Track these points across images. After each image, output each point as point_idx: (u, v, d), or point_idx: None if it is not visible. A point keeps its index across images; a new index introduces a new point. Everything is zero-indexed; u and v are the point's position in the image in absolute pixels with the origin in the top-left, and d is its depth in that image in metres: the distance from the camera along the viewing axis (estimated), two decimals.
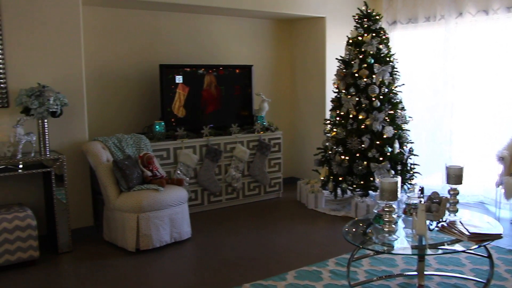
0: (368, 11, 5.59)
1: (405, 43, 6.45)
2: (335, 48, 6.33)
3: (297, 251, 4.38)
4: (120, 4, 5.28)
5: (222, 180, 5.68)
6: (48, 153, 4.34)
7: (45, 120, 4.32)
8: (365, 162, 5.33)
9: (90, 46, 5.19)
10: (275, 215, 5.49)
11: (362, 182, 5.40)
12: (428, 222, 3.35)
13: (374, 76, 5.38)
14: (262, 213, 5.60)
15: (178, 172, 5.29)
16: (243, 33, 6.41)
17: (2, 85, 4.34)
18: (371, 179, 5.35)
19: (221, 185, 5.68)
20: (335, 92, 5.74)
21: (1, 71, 4.32)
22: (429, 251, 3.24)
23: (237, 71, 5.96)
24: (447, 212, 3.60)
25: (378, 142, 5.33)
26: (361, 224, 3.73)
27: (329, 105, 6.06)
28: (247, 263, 4.11)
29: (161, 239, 4.42)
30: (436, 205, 3.50)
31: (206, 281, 3.79)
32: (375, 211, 3.56)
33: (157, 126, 5.27)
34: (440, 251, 3.35)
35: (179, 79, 5.51)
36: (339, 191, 5.61)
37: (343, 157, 5.43)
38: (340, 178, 5.49)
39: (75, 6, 4.65)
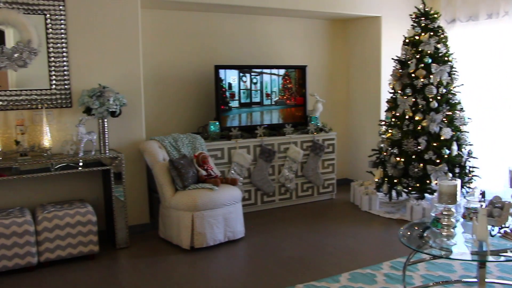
0: (426, 9, 5.45)
1: (465, 41, 6.23)
2: (391, 48, 6.23)
3: (350, 253, 4.33)
4: (176, 7, 5.39)
5: (275, 181, 5.70)
6: (107, 151, 4.49)
7: (105, 120, 4.46)
8: (421, 164, 5.21)
9: (148, 47, 5.33)
10: (328, 216, 5.46)
11: (417, 185, 5.28)
12: (489, 227, 3.24)
13: (431, 76, 5.25)
14: (315, 214, 5.58)
15: (232, 171, 5.34)
16: (297, 33, 6.40)
17: (66, 86, 4.53)
18: (428, 181, 5.22)
19: (275, 185, 5.69)
20: (390, 93, 5.64)
21: (65, 72, 4.51)
22: (490, 258, 3.12)
23: (292, 71, 5.96)
24: (510, 218, 3.46)
25: (435, 144, 5.19)
26: (416, 228, 3.64)
27: (384, 106, 5.97)
28: (300, 264, 4.11)
29: (215, 238, 4.48)
30: (499, 210, 3.37)
31: (260, 280, 3.80)
32: (433, 215, 3.47)
33: (212, 126, 5.35)
34: (502, 258, 3.23)
35: (234, 79, 5.58)
36: (394, 193, 5.50)
37: (398, 159, 5.33)
38: (395, 180, 5.39)
39: (135, 9, 4.78)
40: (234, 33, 5.93)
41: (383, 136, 5.65)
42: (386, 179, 5.52)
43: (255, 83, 5.74)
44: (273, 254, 4.36)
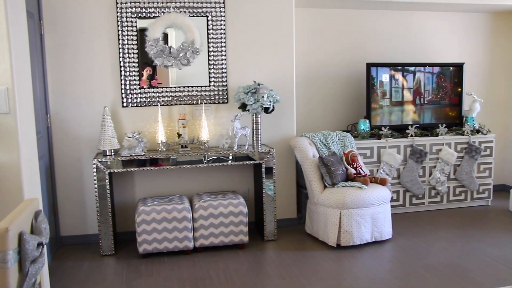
0: None
1: None
2: None
3: (510, 266, 4.00)
4: (329, 4, 5.42)
5: (425, 183, 5.47)
6: (260, 146, 4.67)
7: (259, 116, 4.64)
8: None
9: (300, 45, 5.44)
10: (484, 224, 5.09)
11: None
12: None
13: None
14: (468, 220, 5.24)
15: (381, 171, 5.24)
16: (453, 28, 6.06)
17: (223, 83, 4.80)
18: None
19: (425, 188, 5.47)
20: None
21: (223, 70, 4.78)
22: None
23: (447, 69, 5.67)
24: None
25: None
26: None
27: None
28: (451, 271, 3.90)
29: (361, 237, 4.43)
30: None
31: (407, 284, 3.68)
32: None
33: (361, 125, 5.30)
34: None
35: (386, 77, 5.46)
36: None
37: None
38: None
39: (289, 8, 4.89)
40: (387, 30, 5.80)
41: None
42: None
43: (408, 81, 5.56)
44: (422, 258, 4.19)
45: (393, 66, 5.50)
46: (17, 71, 2.76)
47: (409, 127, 5.39)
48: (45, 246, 2.10)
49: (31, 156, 2.95)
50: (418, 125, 5.55)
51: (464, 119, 5.70)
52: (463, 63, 5.73)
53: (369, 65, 5.38)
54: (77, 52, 4.50)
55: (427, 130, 5.55)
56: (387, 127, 5.36)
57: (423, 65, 5.60)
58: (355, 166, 4.70)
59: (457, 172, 5.56)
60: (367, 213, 4.43)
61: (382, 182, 4.65)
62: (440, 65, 5.66)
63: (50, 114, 4.52)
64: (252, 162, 4.57)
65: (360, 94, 5.66)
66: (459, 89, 5.71)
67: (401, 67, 5.52)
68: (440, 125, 5.51)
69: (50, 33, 4.43)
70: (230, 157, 4.51)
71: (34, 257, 1.97)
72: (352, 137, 5.09)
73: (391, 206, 5.14)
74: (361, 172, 4.70)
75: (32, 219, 2.13)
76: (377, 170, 5.26)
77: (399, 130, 5.47)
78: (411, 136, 5.35)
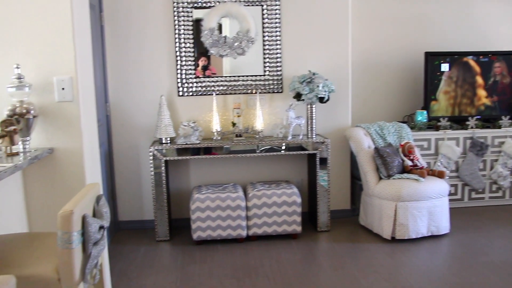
0: None
1: None
2: None
3: None
4: None
5: (486, 177, 5.27)
6: (314, 136, 4.63)
7: (313, 105, 4.60)
8: None
9: (356, 34, 5.33)
10: None
11: None
12: None
13: None
14: None
15: (439, 164, 5.09)
16: None
17: (278, 73, 4.79)
18: None
19: (485, 182, 5.27)
20: None
21: (278, 59, 4.77)
22: None
23: (511, 57, 5.42)
24: None
25: None
26: None
27: None
28: None
29: (417, 231, 4.33)
30: None
31: (466, 281, 3.57)
32: None
33: (419, 116, 5.16)
34: None
35: (445, 67, 5.29)
36: None
37: None
38: None
39: None
40: (447, 17, 5.58)
41: None
42: None
43: (469, 71, 5.35)
44: (481, 255, 4.05)
45: (452, 55, 5.31)
46: (80, 61, 2.85)
47: (469, 118, 5.21)
48: (106, 229, 2.17)
49: (92, 143, 3.05)
50: (479, 117, 5.34)
51: None
52: None
53: (428, 54, 5.22)
54: (135, 43, 4.61)
55: (488, 122, 5.34)
56: (446, 118, 5.19)
57: (485, 53, 5.38)
58: (411, 158, 4.59)
59: None
60: (424, 206, 4.32)
61: (440, 175, 4.52)
62: (503, 53, 5.42)
63: (110, 102, 4.65)
64: (306, 152, 4.54)
65: (417, 84, 5.51)
66: None
67: (462, 56, 5.32)
68: (503, 117, 5.28)
69: (110, 24, 4.56)
70: (283, 147, 4.50)
71: (96, 239, 2.04)
72: (409, 128, 4.97)
73: (449, 200, 4.99)
74: (418, 164, 4.58)
75: (94, 203, 2.20)
76: (435, 162, 5.11)
77: (459, 122, 5.29)
78: (471, 128, 5.17)
